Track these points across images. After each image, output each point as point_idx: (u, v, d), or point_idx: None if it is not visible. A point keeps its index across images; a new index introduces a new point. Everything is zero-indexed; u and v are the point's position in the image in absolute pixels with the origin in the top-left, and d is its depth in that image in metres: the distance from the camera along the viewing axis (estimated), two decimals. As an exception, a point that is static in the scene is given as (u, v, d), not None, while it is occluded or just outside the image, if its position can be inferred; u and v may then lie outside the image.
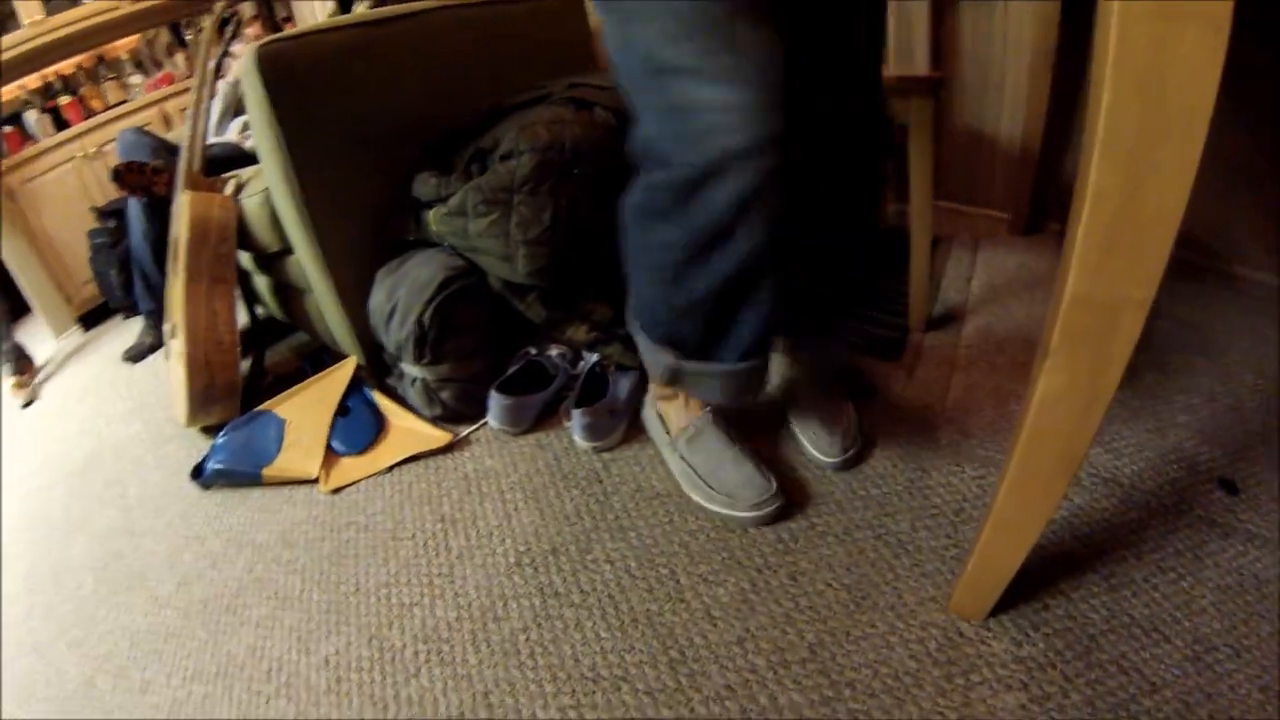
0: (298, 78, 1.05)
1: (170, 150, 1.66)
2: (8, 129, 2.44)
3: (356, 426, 1.27)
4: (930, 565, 0.82)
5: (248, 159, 1.48)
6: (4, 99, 2.44)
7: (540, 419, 1.19)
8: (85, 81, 2.63)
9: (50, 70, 2.57)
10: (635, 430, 1.11)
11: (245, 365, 1.53)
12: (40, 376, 2.29)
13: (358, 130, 1.15)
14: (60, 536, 1.35)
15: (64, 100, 2.56)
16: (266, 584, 1.04)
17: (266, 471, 1.24)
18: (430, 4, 1.29)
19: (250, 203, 1.27)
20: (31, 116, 2.51)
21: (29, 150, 2.46)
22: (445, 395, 1.20)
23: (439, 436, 1.20)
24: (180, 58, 2.83)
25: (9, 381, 2.17)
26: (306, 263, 1.23)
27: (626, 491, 1.01)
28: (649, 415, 1.05)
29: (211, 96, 1.36)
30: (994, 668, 0.71)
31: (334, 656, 0.88)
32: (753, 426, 1.05)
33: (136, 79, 2.73)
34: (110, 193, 2.11)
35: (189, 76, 2.59)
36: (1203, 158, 0.48)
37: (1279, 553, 0.78)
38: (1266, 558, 0.78)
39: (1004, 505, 0.67)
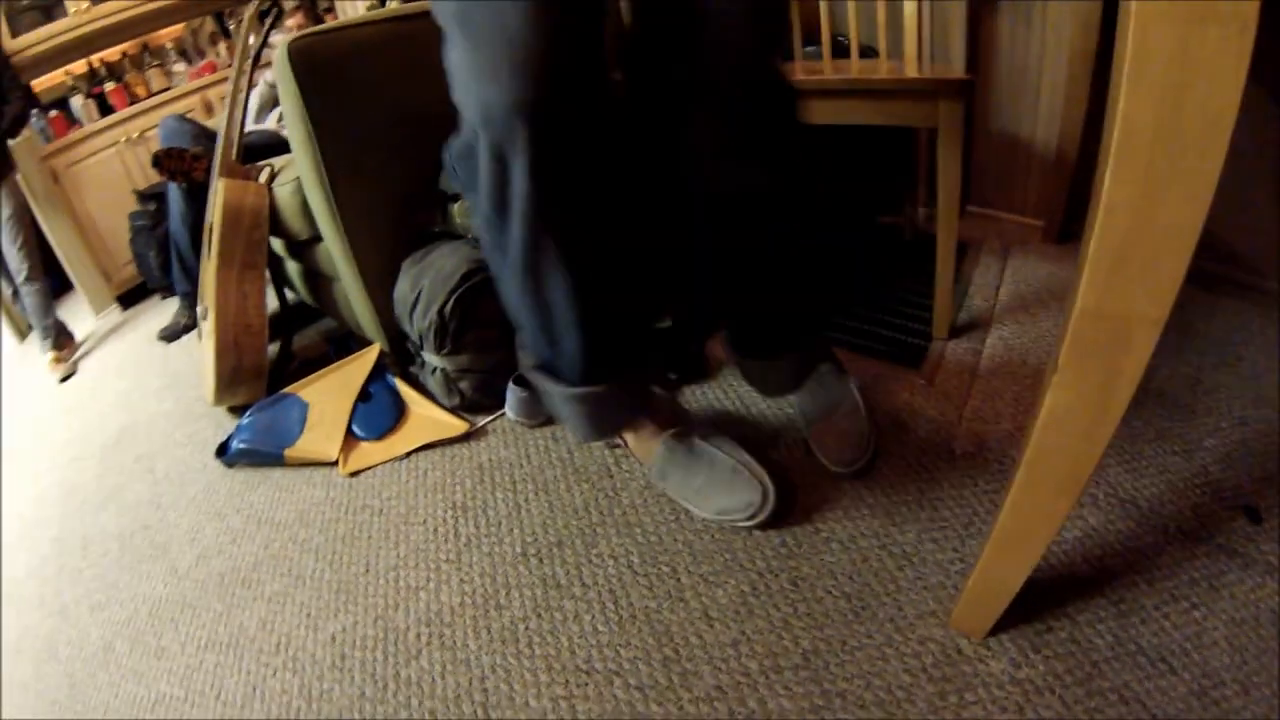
0: (328, 72, 1.08)
1: (210, 137, 1.72)
2: (54, 114, 2.56)
3: (377, 412, 1.31)
4: (934, 578, 0.81)
5: (286, 147, 1.53)
6: (50, 84, 2.55)
7: (557, 412, 1.21)
8: (130, 69, 2.74)
9: (96, 57, 2.68)
10: (647, 428, 1.12)
11: (274, 348, 1.59)
12: (79, 352, 2.39)
13: (387, 123, 1.18)
14: (91, 506, 1.42)
15: (109, 87, 2.67)
16: (281, 561, 1.08)
17: (288, 452, 1.28)
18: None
19: (282, 191, 1.31)
20: (77, 102, 2.62)
21: (74, 134, 2.58)
22: (464, 385, 1.23)
23: (456, 425, 1.23)
24: (223, 47, 2.93)
25: (48, 356, 2.28)
26: (334, 251, 1.27)
27: (635, 488, 1.02)
28: (625, 450, 1.04)
29: (251, 86, 1.41)
30: (990, 688, 0.70)
31: (340, 634, 0.92)
32: (768, 432, 1.05)
33: (180, 67, 2.83)
34: (151, 177, 2.20)
35: (231, 65, 2.70)
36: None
37: None
38: None
39: (1006, 522, 0.66)
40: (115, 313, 2.73)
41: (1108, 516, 0.88)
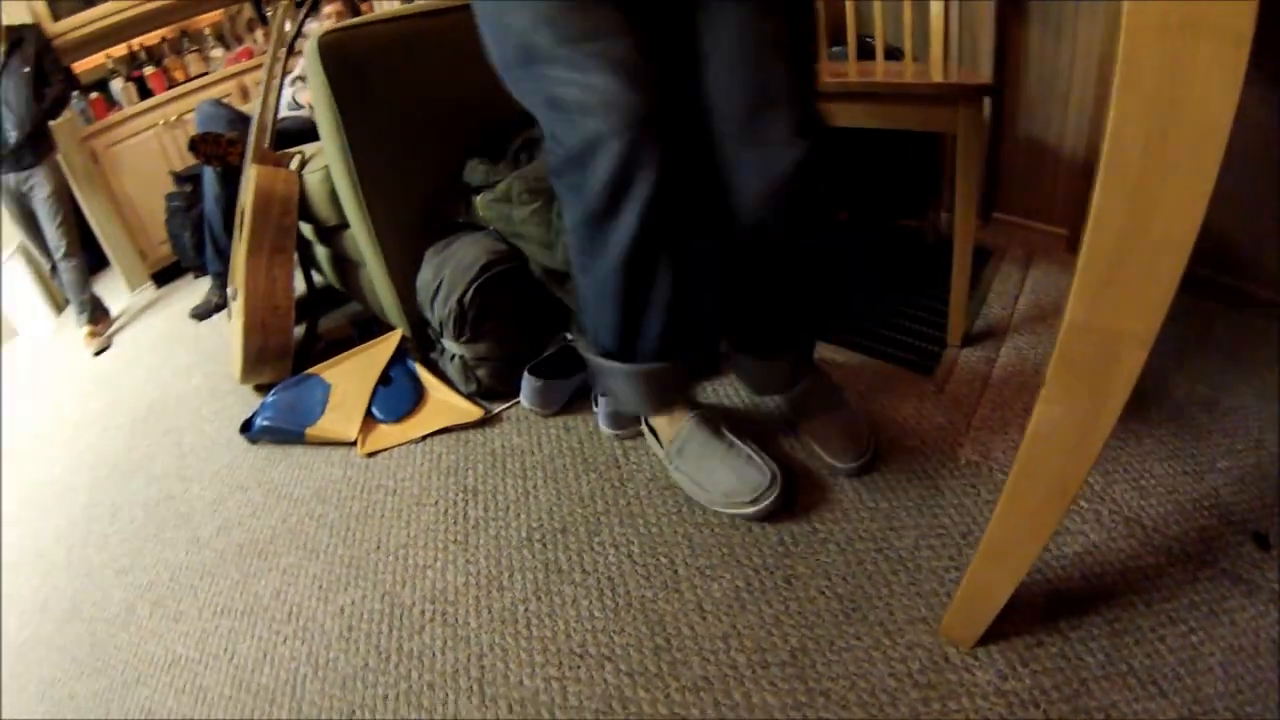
0: (357, 65, 1.12)
1: (245, 122, 1.78)
2: (94, 96, 2.66)
3: (396, 396, 1.35)
4: (928, 585, 0.82)
5: (318, 134, 1.59)
6: (91, 66, 2.65)
7: (571, 403, 1.24)
8: (169, 53, 2.84)
9: (136, 41, 2.78)
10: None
11: (301, 330, 1.65)
12: (114, 327, 2.50)
13: (414, 116, 1.22)
14: (121, 475, 1.49)
15: (148, 70, 2.77)
16: (297, 535, 1.13)
17: (309, 431, 1.34)
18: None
19: (312, 178, 1.36)
20: (117, 85, 2.73)
21: (114, 116, 2.69)
22: (481, 373, 1.27)
23: (472, 411, 1.27)
24: (260, 34, 3.02)
25: (84, 330, 2.38)
26: (360, 238, 1.32)
27: (641, 479, 1.05)
28: (646, 431, 1.07)
29: (285, 74, 1.46)
30: (974, 698, 0.71)
31: (349, 607, 0.96)
32: (764, 434, 1.07)
33: (218, 52, 2.92)
34: (188, 159, 2.29)
35: (267, 52, 2.78)
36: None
37: None
38: None
39: (995, 532, 0.67)
40: (150, 290, 2.84)
41: (1110, 534, 0.87)
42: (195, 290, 2.47)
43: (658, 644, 0.81)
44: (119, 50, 2.76)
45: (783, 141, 0.78)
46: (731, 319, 0.98)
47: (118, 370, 2.14)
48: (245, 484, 1.31)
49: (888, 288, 1.43)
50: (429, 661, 0.85)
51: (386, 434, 1.30)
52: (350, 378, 1.40)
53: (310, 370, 1.44)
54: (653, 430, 1.05)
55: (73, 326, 2.52)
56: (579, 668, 0.80)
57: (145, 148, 2.73)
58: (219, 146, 1.60)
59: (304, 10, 1.45)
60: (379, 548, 1.05)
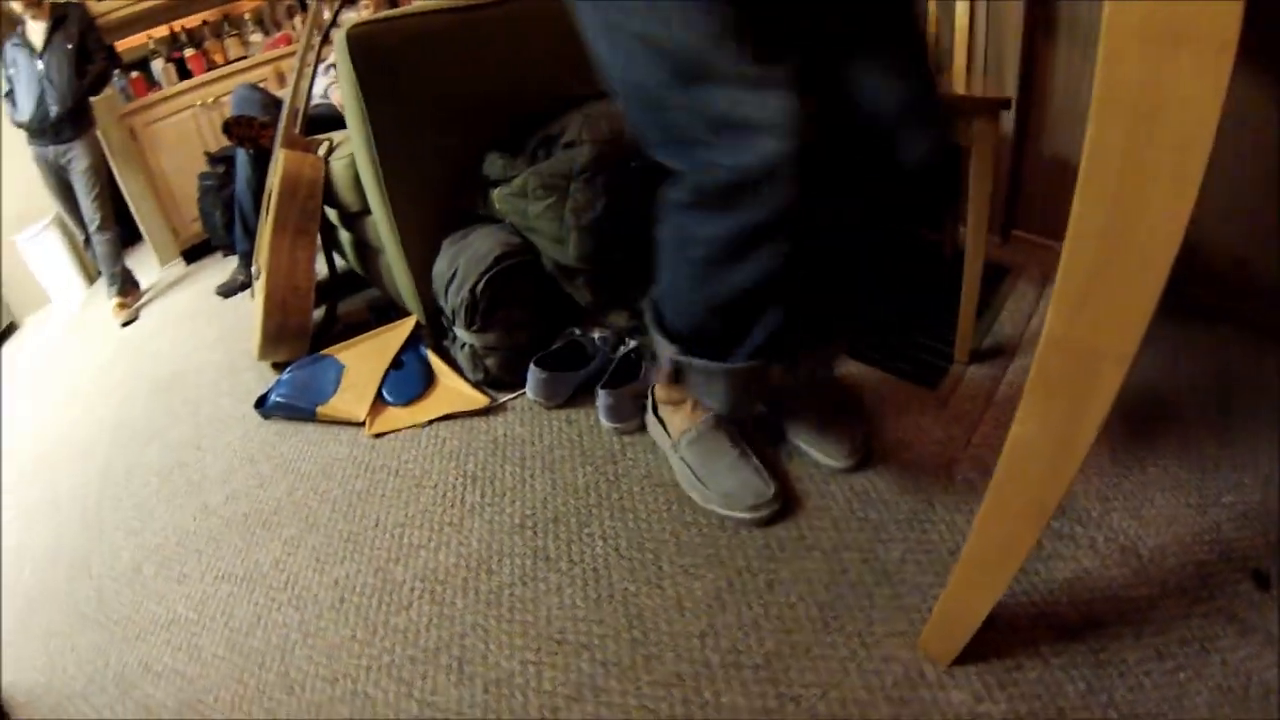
0: (384, 59, 1.16)
1: (279, 107, 1.84)
2: (135, 75, 2.77)
3: (407, 380, 1.39)
4: (910, 600, 0.82)
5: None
6: (133, 45, 2.74)
7: (575, 396, 1.26)
8: (209, 36, 2.94)
9: (178, 23, 2.89)
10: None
11: (320, 311, 1.70)
12: (142, 300, 2.59)
13: (437, 109, 1.26)
14: (138, 441, 1.56)
15: (188, 52, 2.87)
16: (301, 508, 1.17)
17: (320, 409, 1.38)
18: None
19: (338, 164, 1.41)
20: (158, 65, 2.83)
21: (153, 96, 2.79)
22: (490, 362, 1.30)
23: (478, 399, 1.30)
24: (299, 20, 3.12)
25: (114, 301, 2.48)
26: (381, 225, 1.36)
27: (636, 475, 1.07)
28: (650, 420, 1.09)
29: (319, 61, 1.51)
30: (946, 717, 0.70)
31: (343, 579, 1.00)
32: (755, 438, 1.07)
33: (257, 37, 3.03)
34: (223, 140, 2.36)
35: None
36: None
37: None
38: None
39: (973, 549, 0.67)
40: (179, 266, 2.94)
41: (1104, 562, 0.86)
42: (223, 268, 2.56)
43: (635, 637, 0.82)
44: (160, 31, 2.88)
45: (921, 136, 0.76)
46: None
47: (143, 341, 2.22)
48: (255, 457, 1.36)
49: (898, 299, 1.43)
50: (413, 637, 0.88)
51: (395, 416, 1.33)
52: (364, 360, 1.44)
53: (325, 351, 1.49)
54: (660, 419, 1.06)
55: (103, 297, 2.62)
56: (556, 654, 0.82)
57: (182, 127, 2.83)
58: (251, 129, 1.66)
59: (339, 2, 1.50)
60: (377, 525, 1.09)
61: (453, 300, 1.24)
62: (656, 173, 0.82)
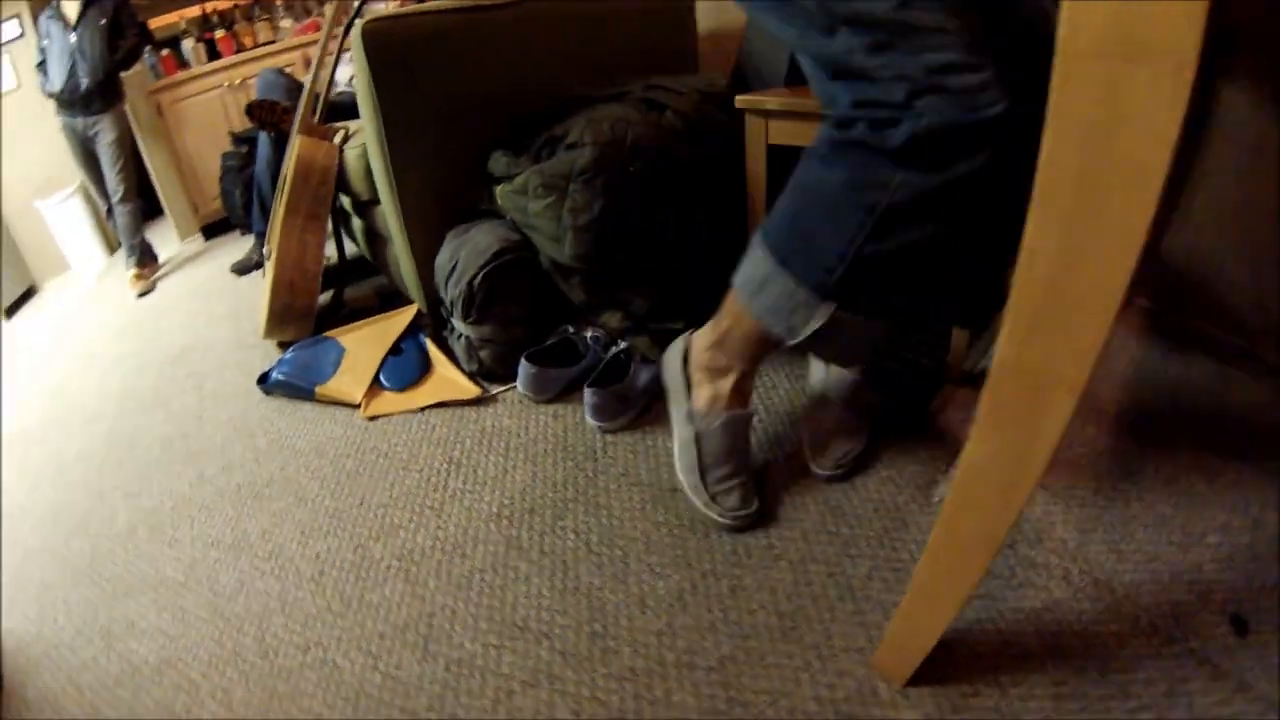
0: (398, 54, 1.22)
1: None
2: (165, 53, 2.88)
3: (404, 366, 1.45)
4: (872, 616, 0.84)
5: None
6: (165, 24, 2.85)
7: (565, 393, 1.30)
8: (240, 19, 3.05)
9: (210, 5, 3.00)
10: (645, 420, 1.20)
11: (328, 295, 1.77)
12: (159, 273, 2.69)
13: (447, 106, 1.31)
14: (144, 409, 1.64)
15: (219, 34, 2.99)
16: (291, 483, 1.23)
17: (319, 390, 1.44)
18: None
19: (351, 153, 1.48)
20: (188, 44, 2.95)
21: (182, 75, 2.91)
22: (484, 354, 1.35)
23: (471, 389, 1.35)
24: (329, 7, 3.21)
25: (131, 273, 2.58)
26: (389, 215, 1.42)
27: (614, 473, 1.10)
28: (675, 364, 1.01)
29: (343, 50, 1.57)
30: None
31: (324, 554, 1.05)
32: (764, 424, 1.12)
33: (287, 22, 3.14)
34: (247, 122, 2.45)
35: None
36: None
37: (1268, 715, 0.71)
38: (1252, 715, 0.72)
39: (925, 570, 0.68)
40: (198, 241, 3.05)
41: (1076, 594, 0.86)
42: (239, 246, 2.65)
43: (595, 630, 0.86)
44: (193, 11, 2.99)
45: None
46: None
47: (157, 313, 2.31)
48: (254, 431, 1.42)
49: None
50: (384, 613, 0.93)
51: (389, 400, 1.39)
52: (364, 344, 1.50)
53: (328, 333, 1.55)
54: (688, 378, 1.00)
55: (122, 268, 2.72)
56: (517, 639, 0.86)
57: (208, 107, 2.95)
58: (274, 113, 1.73)
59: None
60: (362, 504, 1.14)
61: (452, 291, 1.29)
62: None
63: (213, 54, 2.99)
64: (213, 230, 3.08)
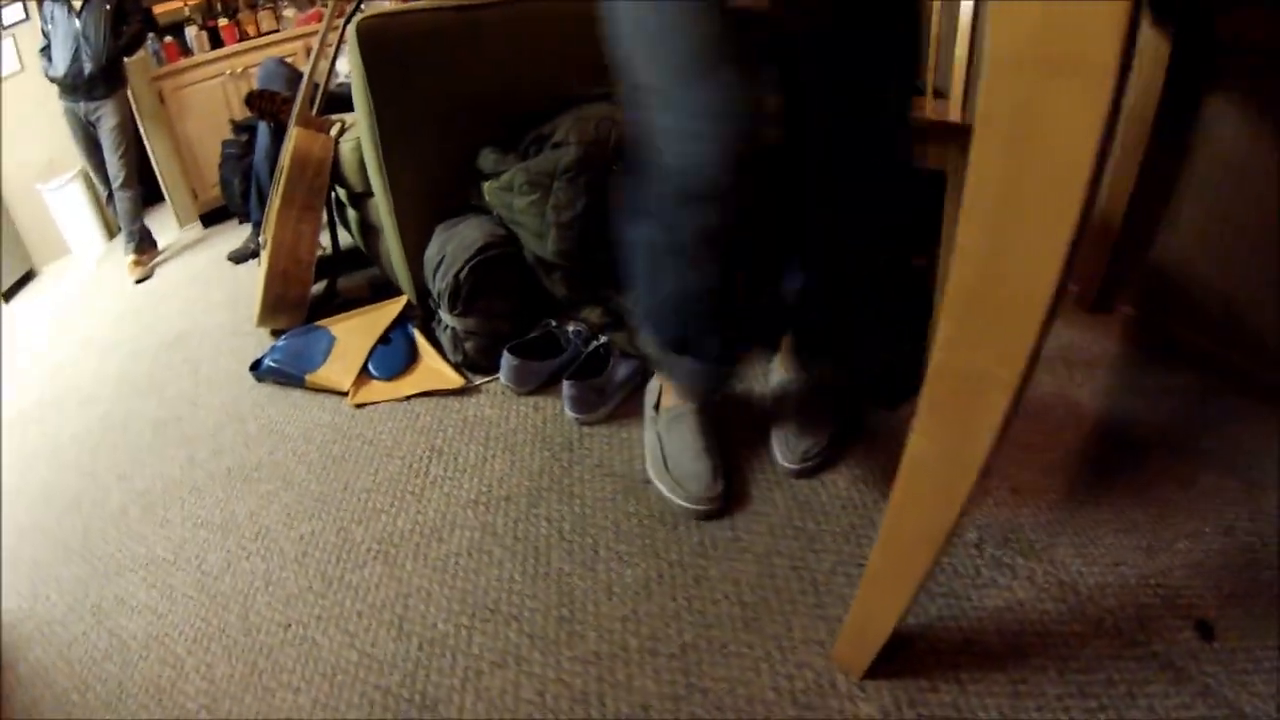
0: (391, 52, 1.27)
1: (304, 82, 1.97)
2: (168, 40, 2.95)
3: (392, 356, 1.50)
4: (833, 610, 0.87)
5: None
6: (168, 10, 2.92)
7: (546, 385, 1.35)
8: (243, 7, 3.12)
9: None
10: (622, 413, 1.25)
11: (322, 285, 1.83)
12: (158, 259, 2.76)
13: (439, 103, 1.37)
14: (139, 393, 1.70)
15: (222, 22, 3.05)
16: (279, 467, 1.29)
17: (310, 377, 1.50)
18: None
19: (346, 146, 1.53)
20: (191, 32, 3.01)
21: (184, 62, 2.97)
22: (469, 345, 1.40)
23: (455, 380, 1.40)
24: (332, -1, 3.27)
25: (130, 258, 2.65)
26: (381, 208, 1.47)
27: (589, 464, 1.15)
28: (651, 385, 1.17)
29: (343, 41, 1.62)
30: None
31: (308, 535, 1.11)
32: (735, 423, 1.16)
33: (290, 12, 3.20)
34: (248, 111, 2.51)
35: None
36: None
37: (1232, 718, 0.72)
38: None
39: (876, 564, 0.72)
40: (196, 228, 3.13)
41: (1040, 594, 0.88)
42: (237, 234, 2.71)
43: (562, 615, 0.90)
44: (196, -1, 3.06)
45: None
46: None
47: (155, 299, 2.38)
48: (244, 416, 1.48)
49: (872, 317, 1.48)
50: (363, 594, 0.98)
51: (377, 389, 1.44)
52: (354, 334, 1.56)
53: (320, 322, 1.61)
54: (657, 392, 1.14)
55: (120, 253, 2.79)
56: (488, 621, 0.91)
57: (210, 95, 3.02)
58: (273, 104, 1.79)
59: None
60: (346, 488, 1.19)
61: (439, 284, 1.34)
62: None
63: (215, 42, 3.06)
64: (211, 218, 3.15)
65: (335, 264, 1.88)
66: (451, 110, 1.38)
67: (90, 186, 3.12)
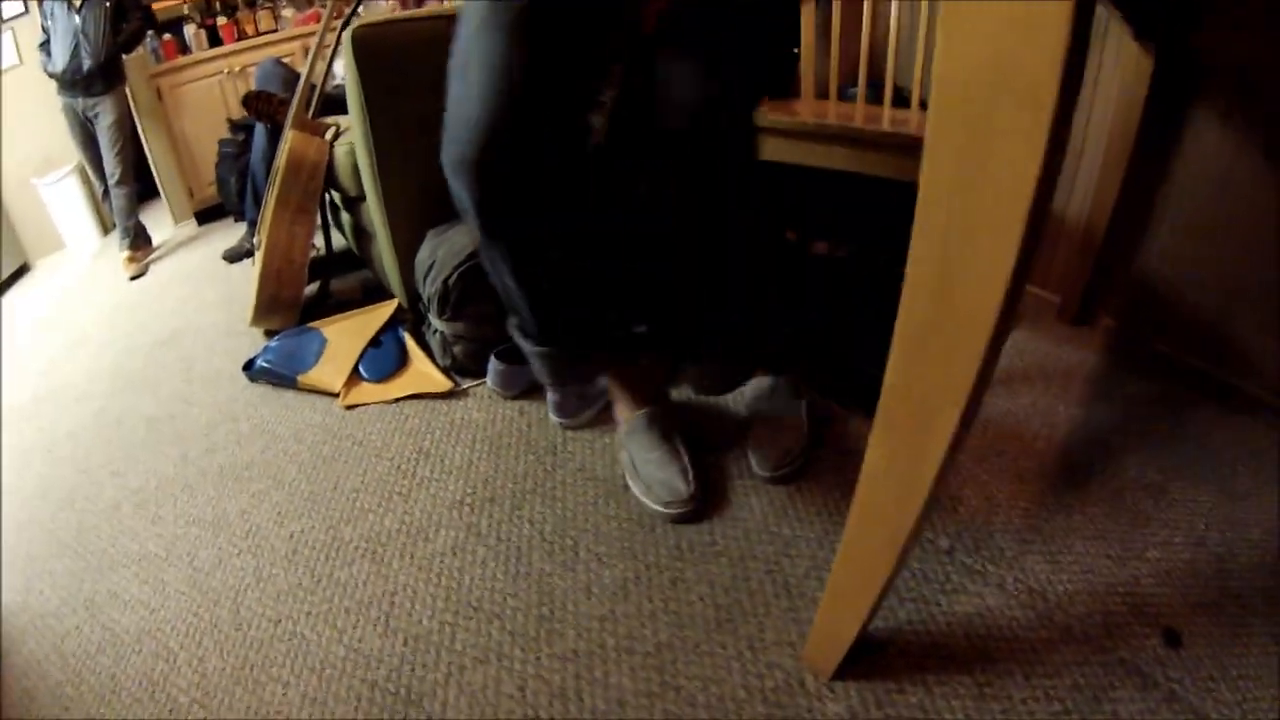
0: (386, 59, 1.32)
1: (302, 84, 2.02)
2: (167, 37, 3.00)
3: (382, 358, 1.56)
4: (805, 614, 0.92)
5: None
6: (167, 7, 2.97)
7: (531, 390, 1.40)
8: (242, 6, 3.17)
9: None
10: (605, 418, 1.30)
11: (315, 286, 1.88)
12: (152, 256, 2.81)
13: (433, 110, 1.40)
14: (133, 390, 1.75)
15: (221, 20, 3.10)
16: (270, 466, 1.34)
17: (301, 378, 1.55)
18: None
19: (340, 150, 1.58)
20: (190, 30, 3.07)
21: (182, 60, 3.03)
22: (457, 350, 1.45)
23: (443, 383, 1.46)
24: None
25: (124, 255, 2.70)
26: (373, 212, 1.52)
27: (571, 468, 1.20)
28: (613, 409, 1.23)
29: (339, 44, 1.67)
30: None
31: (298, 534, 1.16)
32: (714, 430, 1.22)
33: (288, 12, 3.25)
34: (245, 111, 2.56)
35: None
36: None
37: None
38: None
39: (837, 574, 0.76)
40: (191, 226, 3.18)
41: (1009, 601, 0.92)
42: (232, 233, 2.76)
43: (543, 613, 0.95)
44: (196, -3, 3.11)
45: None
46: (669, 325, 1.13)
47: (149, 296, 2.44)
48: (237, 415, 1.53)
49: (854, 325, 1.53)
50: (351, 590, 1.03)
51: (367, 391, 1.49)
52: (346, 336, 1.61)
53: (312, 324, 1.66)
54: (615, 410, 1.21)
55: (115, 249, 2.84)
56: (471, 619, 0.96)
57: (207, 93, 3.07)
58: (270, 105, 1.84)
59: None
60: (335, 488, 1.25)
61: (429, 289, 1.39)
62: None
63: (214, 40, 3.11)
64: (206, 216, 3.20)
65: (328, 265, 1.93)
66: (444, 119, 1.43)
67: (86, 181, 3.17)
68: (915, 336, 0.57)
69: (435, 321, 1.44)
